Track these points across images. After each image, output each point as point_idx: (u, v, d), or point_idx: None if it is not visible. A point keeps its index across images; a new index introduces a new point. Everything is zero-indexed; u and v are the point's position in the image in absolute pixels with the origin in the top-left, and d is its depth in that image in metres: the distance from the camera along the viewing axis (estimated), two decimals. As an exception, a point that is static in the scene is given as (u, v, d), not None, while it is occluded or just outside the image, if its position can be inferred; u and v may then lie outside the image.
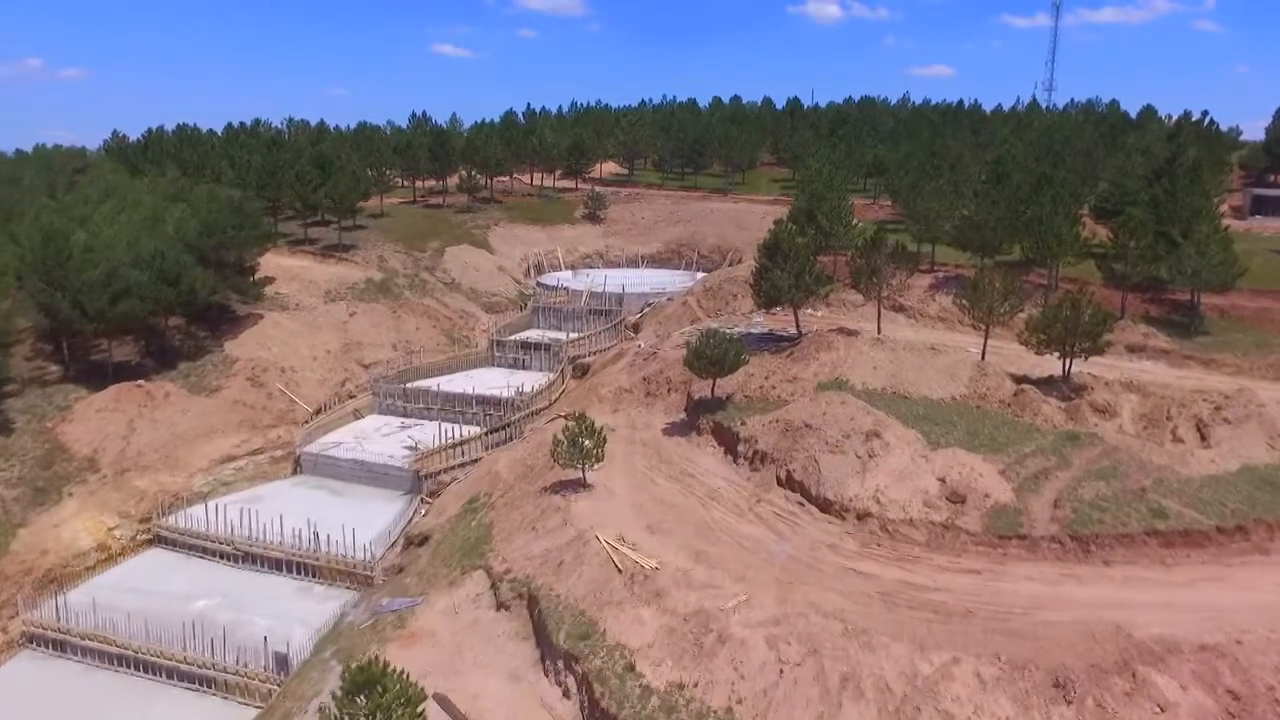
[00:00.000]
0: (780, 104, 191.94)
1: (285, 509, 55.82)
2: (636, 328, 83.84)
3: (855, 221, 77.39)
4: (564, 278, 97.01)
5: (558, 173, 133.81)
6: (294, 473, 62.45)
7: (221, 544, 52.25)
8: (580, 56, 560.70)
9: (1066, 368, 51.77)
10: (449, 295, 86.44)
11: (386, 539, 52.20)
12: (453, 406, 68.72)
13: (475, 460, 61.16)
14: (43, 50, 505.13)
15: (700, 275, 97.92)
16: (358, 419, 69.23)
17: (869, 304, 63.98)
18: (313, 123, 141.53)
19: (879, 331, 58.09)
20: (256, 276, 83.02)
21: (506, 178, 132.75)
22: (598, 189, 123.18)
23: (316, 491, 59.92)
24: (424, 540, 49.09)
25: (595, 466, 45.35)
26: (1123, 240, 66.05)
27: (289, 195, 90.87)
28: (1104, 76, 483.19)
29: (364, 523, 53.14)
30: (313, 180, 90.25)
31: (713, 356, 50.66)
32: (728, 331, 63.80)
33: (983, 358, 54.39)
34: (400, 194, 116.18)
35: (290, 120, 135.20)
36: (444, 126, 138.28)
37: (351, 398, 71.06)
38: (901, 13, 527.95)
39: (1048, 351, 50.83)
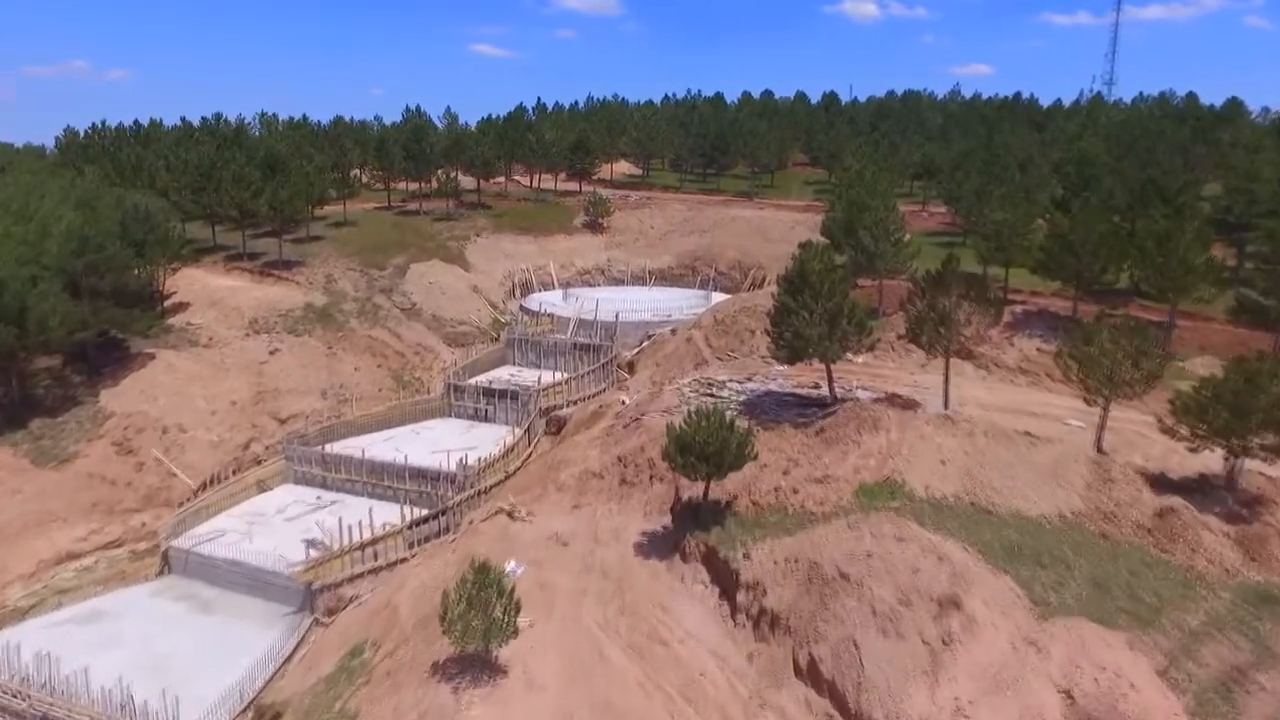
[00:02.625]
0: (815, 99, 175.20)
1: (123, 634, 41.19)
2: (632, 367, 67.75)
3: (906, 237, 60.60)
4: (550, 300, 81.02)
5: (562, 174, 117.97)
6: (161, 573, 47.34)
7: (12, 697, 37.14)
8: (617, 56, 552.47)
9: (1235, 468, 34.86)
10: (405, 324, 70.92)
11: (237, 702, 36.64)
12: (380, 479, 53.11)
13: (398, 563, 45.71)
14: (88, 52, 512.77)
15: (716, 299, 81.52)
16: (261, 493, 53.88)
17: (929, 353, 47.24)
18: (358, 119, 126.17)
19: (945, 404, 41.41)
20: (168, 302, 68.37)
21: (502, 179, 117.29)
22: (600, 192, 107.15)
23: (179, 604, 44.82)
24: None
25: (514, 634, 29.31)
26: (1272, 264, 49.09)
27: (225, 201, 75.89)
28: (1155, 72, 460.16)
29: (225, 659, 38.69)
30: (251, 183, 75.16)
31: (705, 450, 34.50)
32: (734, 394, 47.63)
33: (1098, 447, 37.55)
34: (377, 198, 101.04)
35: (263, 114, 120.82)
36: (433, 122, 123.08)
37: (259, 463, 55.77)
38: (940, 11, 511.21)
39: (1209, 446, 33.95)
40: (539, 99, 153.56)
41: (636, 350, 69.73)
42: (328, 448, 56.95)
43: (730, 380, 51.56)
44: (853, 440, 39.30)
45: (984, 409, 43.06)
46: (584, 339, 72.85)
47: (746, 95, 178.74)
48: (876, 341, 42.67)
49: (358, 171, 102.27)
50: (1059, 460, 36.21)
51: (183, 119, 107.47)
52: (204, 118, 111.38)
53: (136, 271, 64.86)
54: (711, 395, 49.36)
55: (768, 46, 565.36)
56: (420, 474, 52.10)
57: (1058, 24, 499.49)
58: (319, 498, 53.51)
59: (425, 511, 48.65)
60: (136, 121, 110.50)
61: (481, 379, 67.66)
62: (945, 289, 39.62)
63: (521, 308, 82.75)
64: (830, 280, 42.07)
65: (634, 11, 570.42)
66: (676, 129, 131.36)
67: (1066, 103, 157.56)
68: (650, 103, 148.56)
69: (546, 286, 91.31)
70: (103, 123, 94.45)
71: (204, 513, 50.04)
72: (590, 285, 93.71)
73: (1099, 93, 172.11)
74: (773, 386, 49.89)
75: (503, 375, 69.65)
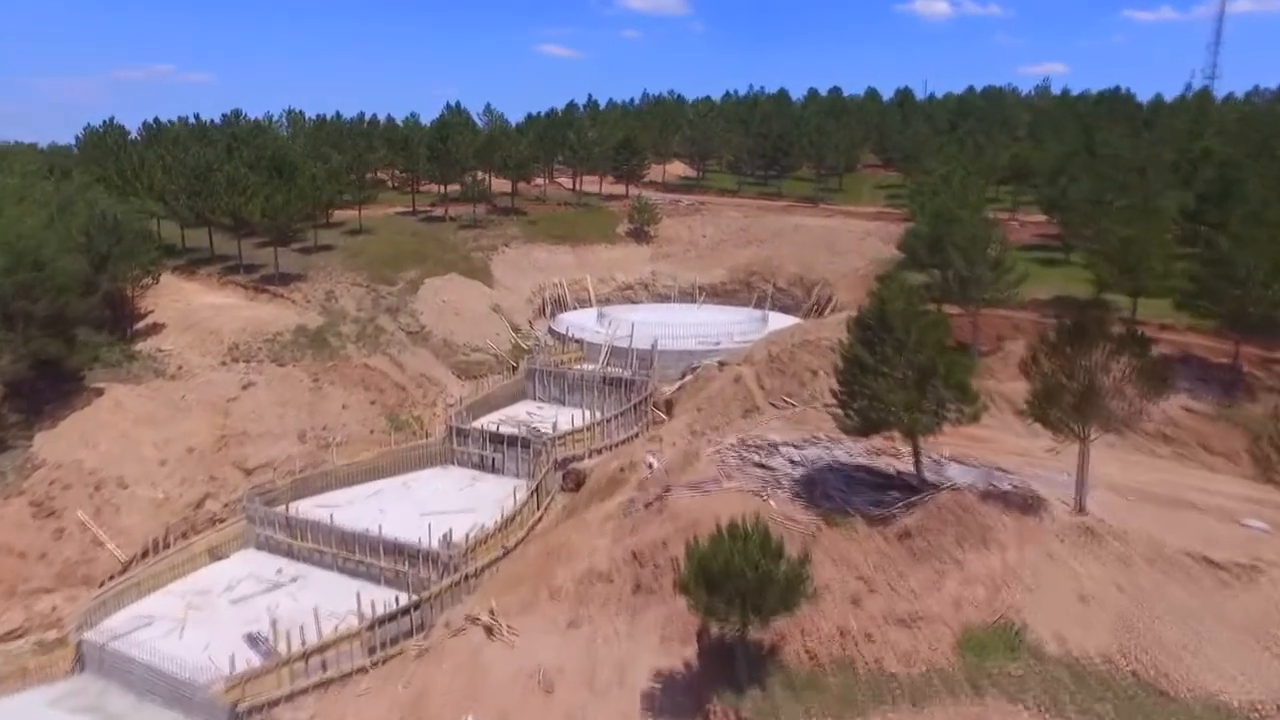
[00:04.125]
0: (887, 97, 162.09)
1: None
2: (670, 407, 57.18)
3: (1008, 258, 48.90)
4: (580, 323, 70.71)
5: (608, 177, 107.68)
6: (74, 670, 38.29)
7: None
8: (681, 56, 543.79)
9: None
10: (410, 351, 61.31)
11: None
12: (351, 552, 43.44)
13: (354, 673, 36.02)
14: (175, 56, 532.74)
15: (774, 321, 70.45)
16: (214, 561, 44.67)
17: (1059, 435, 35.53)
18: (396, 117, 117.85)
19: (1079, 504, 29.92)
20: (142, 323, 59.89)
21: (542, 182, 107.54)
22: (645, 196, 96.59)
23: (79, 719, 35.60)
24: None
25: None
26: None
27: (217, 207, 67.35)
28: (1251, 67, 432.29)
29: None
30: (247, 188, 66.42)
31: (739, 585, 23.84)
32: (788, 465, 36.88)
33: (1315, 580, 25.87)
34: (404, 202, 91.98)
35: (290, 111, 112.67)
36: (473, 119, 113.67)
37: (217, 524, 46.54)
38: (1014, 10, 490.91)
39: None
40: (590, 95, 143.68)
41: (677, 386, 59.09)
42: (299, 505, 47.63)
43: (785, 443, 40.66)
44: (951, 557, 28.25)
45: (1121, 496, 31.62)
46: (617, 369, 62.58)
47: (813, 92, 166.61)
48: (984, 410, 31.51)
49: (380, 174, 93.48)
50: (1266, 614, 24.66)
51: (196, 116, 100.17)
52: (224, 115, 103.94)
53: (104, 289, 56.53)
54: (761, 465, 38.59)
55: (836, 46, 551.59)
56: (397, 549, 42.24)
57: (1139, 20, 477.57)
58: (279, 571, 44.08)
59: (399, 598, 38.76)
60: (157, 119, 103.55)
61: (493, 418, 57.76)
62: (1087, 344, 28.17)
63: (550, 330, 72.66)
64: (921, 327, 30.99)
65: (699, 11, 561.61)
66: (735, 127, 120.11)
67: (1168, 98, 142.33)
68: (708, 99, 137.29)
69: (582, 303, 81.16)
70: (110, 120, 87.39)
71: (134, 592, 40.98)
72: (632, 302, 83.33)
73: (1205, 87, 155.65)
74: (839, 454, 38.87)
75: (520, 413, 59.64)
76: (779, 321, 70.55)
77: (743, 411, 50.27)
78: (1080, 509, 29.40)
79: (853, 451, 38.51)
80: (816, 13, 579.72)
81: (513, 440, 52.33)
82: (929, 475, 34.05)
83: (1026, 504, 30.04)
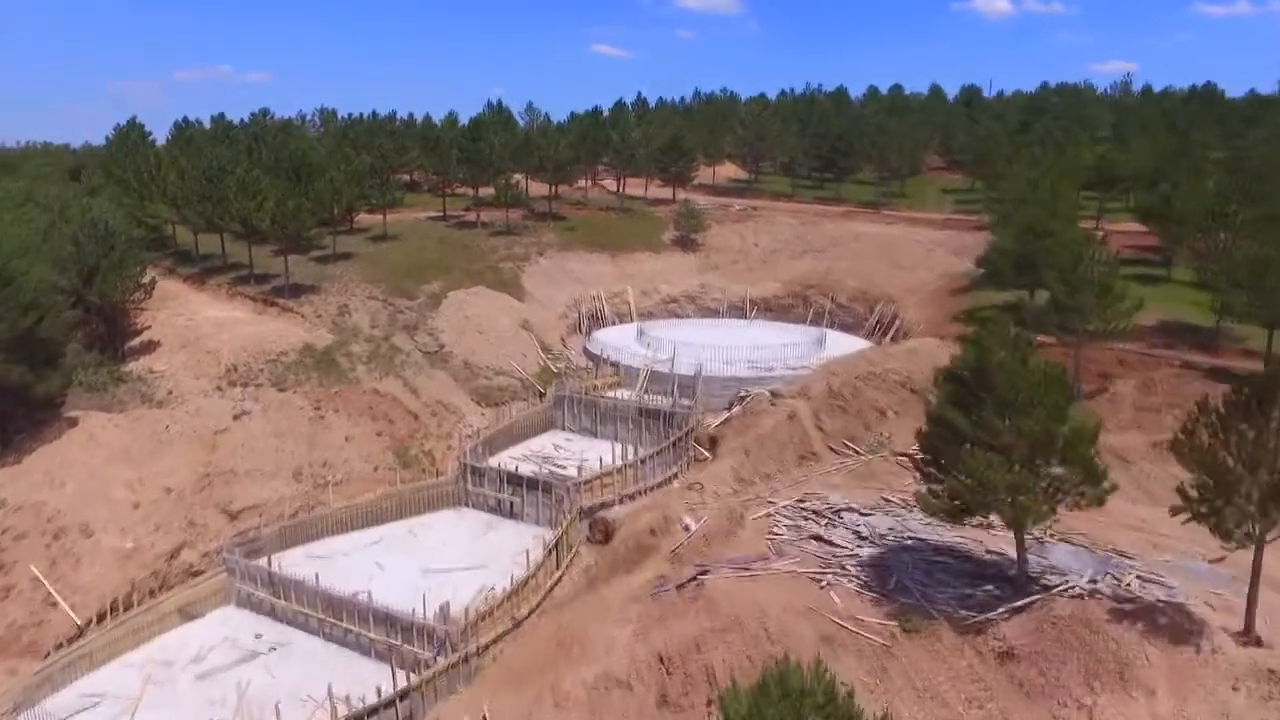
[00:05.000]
0: (952, 94, 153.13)
1: None
2: (714, 444, 50.34)
3: (1120, 283, 41.14)
4: (617, 342, 64.04)
5: (655, 180, 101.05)
6: (8, 761, 32.87)
7: None
8: (735, 56, 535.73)
9: None
10: (426, 374, 55.31)
11: None
12: (339, 619, 37.44)
13: (324, 779, 30.00)
14: (232, 57, 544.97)
15: (833, 341, 63.21)
16: (186, 621, 39.04)
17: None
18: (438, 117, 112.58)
19: (1248, 628, 22.56)
20: (136, 340, 54.93)
21: (584, 185, 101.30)
22: (692, 201, 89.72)
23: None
24: None
25: None
26: None
27: (226, 213, 62.25)
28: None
29: None
30: (257, 192, 61.17)
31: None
32: (852, 541, 30.15)
33: None
34: (437, 206, 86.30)
35: (322, 110, 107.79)
36: (514, 117, 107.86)
37: (193, 576, 40.91)
38: (1077, 7, 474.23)
39: None
40: (639, 93, 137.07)
41: (723, 419, 52.22)
42: (288, 556, 41.89)
43: (849, 509, 33.74)
44: (1075, 699, 21.17)
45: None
46: (656, 395, 56.00)
47: (873, 90, 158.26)
48: (1113, 490, 24.25)
49: (413, 176, 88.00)
50: None
51: (220, 115, 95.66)
52: (252, 113, 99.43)
53: (92, 303, 51.74)
54: (820, 538, 31.73)
55: (892, 46, 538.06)
56: (389, 619, 36.09)
57: (1211, 14, 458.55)
58: (258, 637, 38.23)
59: (380, 688, 32.59)
60: (185, 118, 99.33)
61: (516, 452, 51.57)
62: (1270, 417, 20.81)
63: (584, 350, 66.26)
64: (1032, 385, 23.88)
65: (753, 10, 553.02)
66: (791, 126, 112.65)
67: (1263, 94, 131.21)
68: (762, 97, 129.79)
69: (622, 318, 74.68)
70: (131, 120, 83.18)
71: (85, 663, 35.44)
72: (677, 316, 76.64)
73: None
74: (915, 526, 31.85)
75: (546, 445, 53.40)
76: (838, 342, 63.30)
77: (797, 457, 43.38)
78: (1252, 636, 22.06)
79: (928, 528, 31.45)
80: (871, 12, 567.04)
81: (533, 482, 45.95)
82: (1032, 560, 26.97)
83: (1175, 624, 22.76)
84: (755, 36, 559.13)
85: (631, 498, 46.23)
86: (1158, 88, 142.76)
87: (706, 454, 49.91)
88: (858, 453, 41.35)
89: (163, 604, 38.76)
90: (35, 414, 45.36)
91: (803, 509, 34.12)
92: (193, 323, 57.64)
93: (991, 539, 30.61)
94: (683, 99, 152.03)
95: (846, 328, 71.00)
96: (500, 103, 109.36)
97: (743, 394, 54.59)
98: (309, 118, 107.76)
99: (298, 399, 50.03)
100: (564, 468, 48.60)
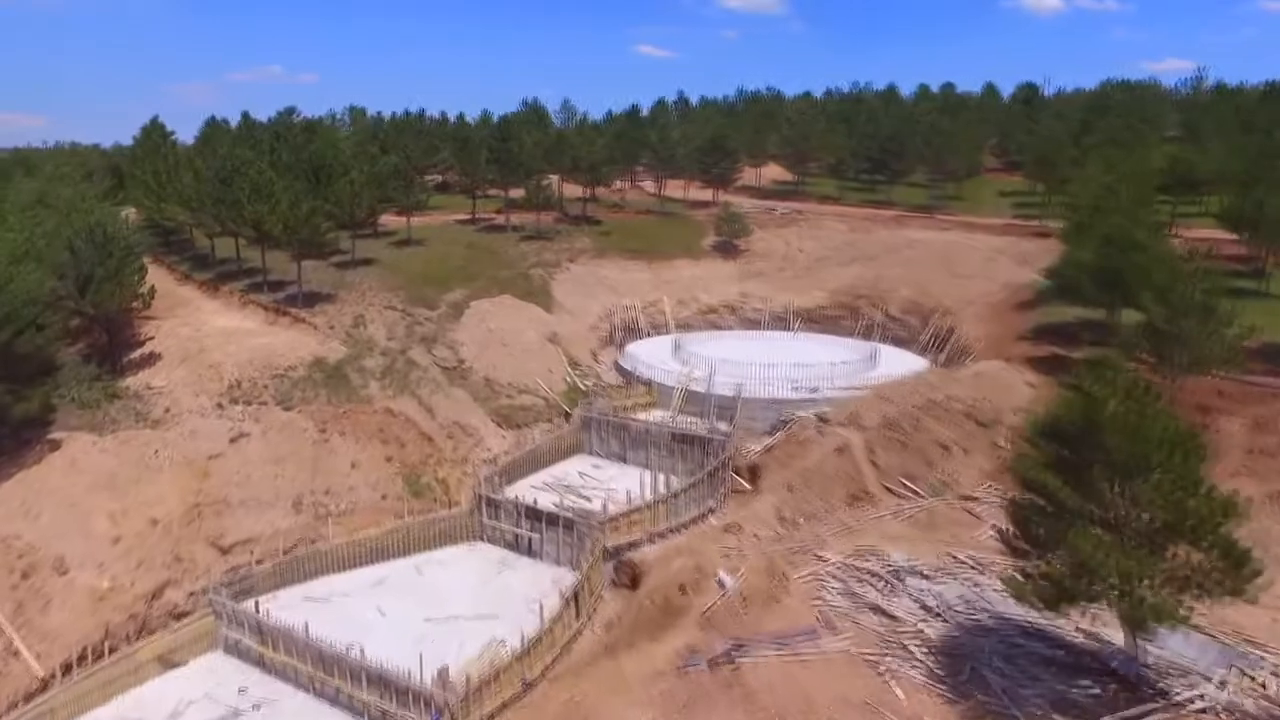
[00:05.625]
0: (1006, 92, 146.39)
1: None
2: (754, 475, 45.62)
3: (1225, 305, 35.71)
4: (650, 358, 59.42)
5: (696, 181, 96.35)
6: (-42, 831, 29.26)
7: None
8: (779, 55, 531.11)
9: None
10: (443, 392, 51.21)
11: None
12: (330, 675, 33.35)
13: None
14: (282, 58, 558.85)
15: (886, 357, 58.04)
16: (166, 671, 35.25)
17: None
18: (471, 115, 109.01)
19: None
20: (137, 352, 51.63)
21: (622, 186, 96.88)
22: (733, 204, 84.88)
23: None
24: None
25: None
26: None
27: (237, 216, 58.81)
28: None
29: None
30: (271, 194, 57.59)
31: None
32: (918, 612, 25.30)
33: None
34: (464, 208, 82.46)
35: (353, 109, 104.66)
36: (551, 117, 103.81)
37: (177, 619, 37.14)
38: (1131, 4, 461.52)
39: None
40: (681, 92, 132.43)
41: (765, 446, 47.48)
42: (281, 596, 38.12)
43: (912, 570, 28.85)
44: None
45: None
46: (692, 418, 51.45)
47: (924, 88, 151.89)
48: (1257, 579, 19.32)
49: (445, 176, 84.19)
50: None
51: (245, 114, 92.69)
52: (279, 111, 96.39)
53: (87, 314, 48.46)
54: (878, 609, 26.93)
55: (939, 45, 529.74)
56: (383, 680, 31.90)
57: (1272, 10, 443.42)
58: (242, 691, 34.32)
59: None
60: (213, 117, 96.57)
61: (538, 479, 47.39)
62: None
63: (616, 365, 61.80)
64: (1154, 447, 18.92)
65: (797, 9, 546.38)
66: (838, 125, 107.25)
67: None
68: (808, 94, 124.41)
69: (658, 329, 70.13)
70: (153, 120, 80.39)
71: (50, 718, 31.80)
72: (717, 328, 71.86)
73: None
74: (993, 597, 26.88)
75: (571, 472, 49.09)
76: (891, 359, 58.12)
77: (848, 495, 38.55)
78: None
79: (1009, 602, 26.43)
80: (916, 10, 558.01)
81: (554, 518, 41.55)
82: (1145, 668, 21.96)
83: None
84: (799, 36, 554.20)
85: (662, 535, 41.70)
86: (1233, 84, 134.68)
87: (746, 485, 45.23)
88: (918, 494, 36.39)
89: (139, 652, 34.95)
90: (21, 434, 42.02)
91: (857, 568, 29.31)
92: (199, 333, 54.24)
93: (1085, 616, 25.64)
94: (725, 97, 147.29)
95: (899, 342, 65.69)
96: (535, 101, 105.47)
97: (787, 418, 49.82)
98: (339, 116, 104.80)
99: (301, 420, 46.16)
100: (589, 499, 44.21)
